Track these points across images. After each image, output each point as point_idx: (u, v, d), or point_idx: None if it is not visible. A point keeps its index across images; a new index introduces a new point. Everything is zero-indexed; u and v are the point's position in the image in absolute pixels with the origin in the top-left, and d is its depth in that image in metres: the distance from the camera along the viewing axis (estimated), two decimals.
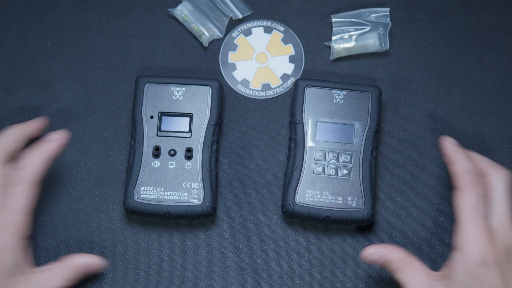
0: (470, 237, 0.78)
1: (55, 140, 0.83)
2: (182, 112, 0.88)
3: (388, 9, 0.94)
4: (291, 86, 0.93)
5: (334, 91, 0.89)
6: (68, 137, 0.85)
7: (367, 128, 0.88)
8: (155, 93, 0.89)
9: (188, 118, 0.88)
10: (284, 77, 0.94)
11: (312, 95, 0.89)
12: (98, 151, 0.91)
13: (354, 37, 0.94)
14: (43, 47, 0.94)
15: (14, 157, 0.83)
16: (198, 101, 0.89)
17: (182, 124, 0.88)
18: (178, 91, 0.89)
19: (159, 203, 0.86)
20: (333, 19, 0.94)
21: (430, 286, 0.79)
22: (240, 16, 0.95)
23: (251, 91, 0.94)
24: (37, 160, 0.82)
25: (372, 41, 0.93)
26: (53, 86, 0.93)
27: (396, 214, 0.90)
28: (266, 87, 0.94)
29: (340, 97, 0.89)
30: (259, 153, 0.91)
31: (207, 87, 0.89)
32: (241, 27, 0.95)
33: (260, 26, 0.95)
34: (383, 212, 0.90)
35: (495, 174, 0.82)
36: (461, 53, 0.95)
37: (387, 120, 0.92)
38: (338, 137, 0.88)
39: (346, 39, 0.94)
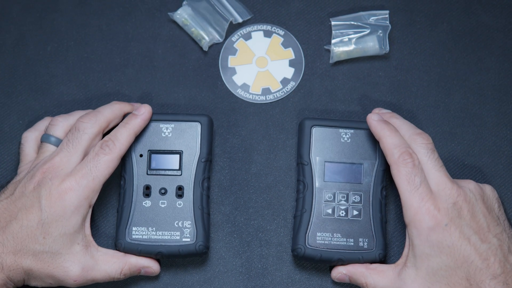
0: (414, 208, 0.79)
1: (142, 115, 0.86)
2: (172, 150, 0.87)
3: (387, 11, 0.94)
4: (291, 90, 0.93)
5: (341, 130, 0.88)
6: (151, 112, 0.87)
7: (376, 167, 0.87)
8: (143, 131, 0.87)
9: (178, 156, 0.87)
10: (284, 81, 0.94)
11: (319, 135, 0.88)
12: None
13: (353, 40, 0.93)
14: (43, 50, 0.94)
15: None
16: (187, 137, 0.87)
17: (172, 161, 0.87)
18: (167, 128, 0.88)
19: (151, 243, 0.85)
20: (333, 22, 0.94)
21: (400, 275, 0.81)
22: (240, 20, 0.95)
23: (251, 95, 0.93)
24: (126, 135, 0.84)
25: (372, 44, 0.93)
26: (53, 90, 0.93)
27: (397, 218, 0.89)
28: (266, 91, 0.94)
29: (347, 136, 0.88)
30: (259, 157, 0.91)
31: (196, 123, 0.88)
32: (241, 31, 0.95)
33: (260, 30, 0.95)
34: None
35: (415, 144, 0.82)
36: (461, 56, 0.95)
37: None
38: (347, 177, 0.87)
39: (345, 42, 0.93)
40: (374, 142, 0.88)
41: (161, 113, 0.89)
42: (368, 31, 0.94)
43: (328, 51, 0.94)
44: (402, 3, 0.96)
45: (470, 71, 0.94)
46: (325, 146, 0.88)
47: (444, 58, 0.95)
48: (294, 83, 0.94)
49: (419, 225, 0.79)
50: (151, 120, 0.87)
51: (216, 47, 0.95)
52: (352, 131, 0.88)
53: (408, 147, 0.82)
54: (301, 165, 0.88)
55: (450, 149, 0.92)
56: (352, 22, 0.94)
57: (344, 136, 0.88)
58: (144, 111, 0.86)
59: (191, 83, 0.94)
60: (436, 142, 0.92)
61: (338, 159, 0.88)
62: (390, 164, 0.82)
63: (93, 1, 0.96)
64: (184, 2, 0.94)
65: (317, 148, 0.88)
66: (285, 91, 0.94)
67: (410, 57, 0.95)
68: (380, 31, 0.94)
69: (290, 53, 0.95)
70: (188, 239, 0.85)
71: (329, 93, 0.94)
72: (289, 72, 0.94)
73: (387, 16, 0.94)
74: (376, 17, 0.94)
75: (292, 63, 0.95)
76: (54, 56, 0.94)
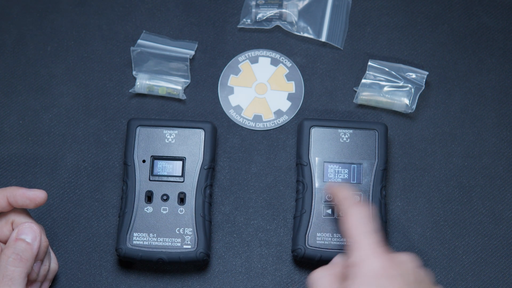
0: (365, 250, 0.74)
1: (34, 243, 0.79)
2: (175, 156, 0.87)
3: (426, 73, 0.92)
4: (283, 123, 0.92)
5: (340, 130, 0.88)
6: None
7: (375, 167, 0.87)
8: (147, 137, 0.88)
9: (180, 162, 0.87)
10: (278, 113, 0.93)
11: (318, 135, 0.88)
12: (98, 155, 0.91)
13: (384, 88, 0.92)
14: (43, 50, 0.94)
15: None
16: (190, 144, 0.88)
17: (174, 168, 0.87)
18: (170, 134, 0.88)
19: (152, 249, 0.85)
20: (370, 63, 0.92)
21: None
22: (193, 52, 0.93)
23: (242, 119, 0.92)
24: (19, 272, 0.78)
25: (401, 100, 0.91)
26: (53, 90, 0.93)
27: (396, 218, 0.89)
28: (257, 118, 0.92)
29: (346, 136, 0.88)
30: (259, 157, 0.91)
31: (200, 130, 0.88)
32: (249, 53, 0.94)
33: (268, 56, 0.94)
34: None
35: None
36: (461, 57, 0.95)
37: (387, 123, 0.91)
38: (346, 178, 0.87)
39: (374, 88, 0.92)
40: (373, 142, 0.88)
41: (164, 119, 0.89)
42: (401, 83, 0.92)
43: (354, 91, 0.92)
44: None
45: (471, 72, 0.94)
46: (324, 146, 0.88)
47: (445, 59, 0.95)
48: (287, 117, 0.93)
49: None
50: (154, 126, 0.88)
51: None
52: (351, 131, 0.88)
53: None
54: (301, 166, 0.88)
55: (450, 150, 0.92)
56: (388, 70, 0.92)
57: (343, 136, 0.88)
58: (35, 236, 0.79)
59: (191, 83, 0.94)
60: (436, 143, 0.92)
61: (338, 160, 0.87)
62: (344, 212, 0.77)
63: (93, 1, 0.96)
64: (134, 73, 0.93)
65: (316, 148, 0.88)
66: (276, 123, 0.92)
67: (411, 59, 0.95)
68: (412, 88, 0.92)
69: (291, 86, 0.94)
70: (189, 246, 0.85)
71: (329, 93, 0.93)
72: (285, 105, 0.93)
73: (424, 77, 0.92)
74: (414, 74, 0.92)
75: (290, 97, 0.93)
76: (54, 56, 0.94)
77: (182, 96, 0.92)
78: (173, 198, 0.86)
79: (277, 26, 0.95)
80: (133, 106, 0.92)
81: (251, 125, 0.92)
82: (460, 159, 0.91)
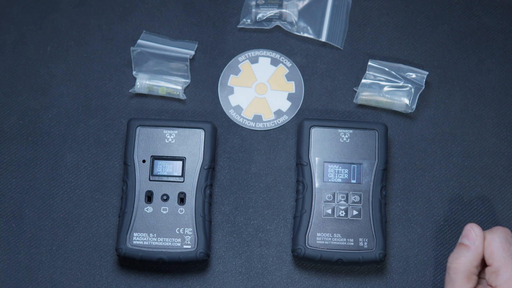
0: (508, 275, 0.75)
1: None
2: (175, 156, 0.87)
3: (426, 73, 0.92)
4: (282, 123, 0.92)
5: (340, 130, 0.88)
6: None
7: (375, 167, 0.87)
8: (147, 137, 0.88)
9: (180, 162, 0.87)
10: (278, 113, 0.93)
11: (318, 135, 0.88)
12: (97, 155, 0.91)
13: (384, 88, 0.92)
14: (43, 50, 0.94)
15: None
16: (190, 144, 0.88)
17: (174, 168, 0.87)
18: (170, 134, 0.88)
19: (152, 249, 0.85)
20: (370, 63, 0.92)
21: None
22: (193, 52, 0.93)
23: (242, 119, 0.92)
24: None
25: (401, 100, 0.91)
26: (53, 90, 0.93)
27: (397, 218, 0.89)
28: (257, 118, 0.92)
29: (346, 136, 0.88)
30: (259, 157, 0.91)
31: (200, 130, 0.88)
32: (249, 53, 0.94)
33: (268, 56, 0.94)
34: None
35: None
36: (461, 57, 0.95)
37: (387, 123, 0.91)
38: (346, 178, 0.87)
39: (374, 88, 0.91)
40: (373, 142, 0.88)
41: (164, 119, 0.89)
42: (401, 83, 0.92)
43: (355, 91, 0.92)
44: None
45: (471, 72, 0.94)
46: (324, 146, 0.88)
47: (445, 59, 0.95)
48: (287, 117, 0.93)
49: None
50: (154, 126, 0.88)
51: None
52: (351, 131, 0.88)
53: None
54: (301, 166, 0.88)
55: (450, 150, 0.92)
56: (388, 70, 0.92)
57: (343, 136, 0.88)
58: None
59: (191, 83, 0.94)
60: (436, 143, 0.92)
61: (338, 159, 0.88)
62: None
63: (93, 1, 0.96)
64: (134, 73, 0.93)
65: (316, 148, 0.88)
66: (276, 123, 0.92)
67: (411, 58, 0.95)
68: (412, 88, 0.92)
69: (291, 86, 0.94)
70: (189, 246, 0.85)
71: (329, 93, 0.93)
72: (285, 105, 0.93)
73: (424, 77, 0.92)
74: (414, 74, 0.92)
75: (290, 97, 0.93)
76: (54, 56, 0.94)
77: (182, 96, 0.92)
78: (173, 198, 0.86)
79: (277, 26, 0.95)
80: (133, 106, 0.92)
81: (251, 125, 0.92)
82: (460, 159, 0.91)
